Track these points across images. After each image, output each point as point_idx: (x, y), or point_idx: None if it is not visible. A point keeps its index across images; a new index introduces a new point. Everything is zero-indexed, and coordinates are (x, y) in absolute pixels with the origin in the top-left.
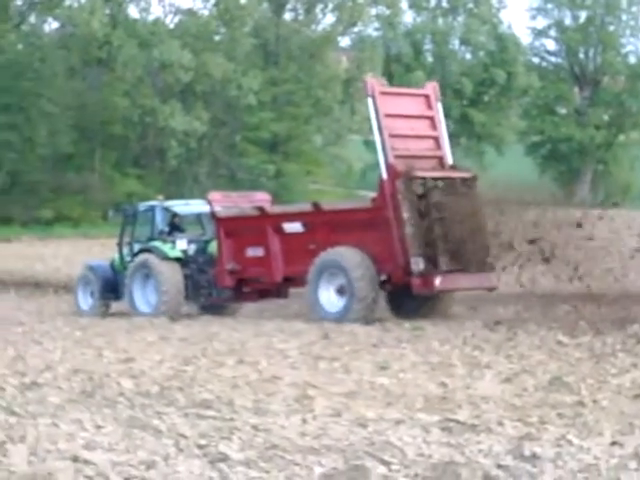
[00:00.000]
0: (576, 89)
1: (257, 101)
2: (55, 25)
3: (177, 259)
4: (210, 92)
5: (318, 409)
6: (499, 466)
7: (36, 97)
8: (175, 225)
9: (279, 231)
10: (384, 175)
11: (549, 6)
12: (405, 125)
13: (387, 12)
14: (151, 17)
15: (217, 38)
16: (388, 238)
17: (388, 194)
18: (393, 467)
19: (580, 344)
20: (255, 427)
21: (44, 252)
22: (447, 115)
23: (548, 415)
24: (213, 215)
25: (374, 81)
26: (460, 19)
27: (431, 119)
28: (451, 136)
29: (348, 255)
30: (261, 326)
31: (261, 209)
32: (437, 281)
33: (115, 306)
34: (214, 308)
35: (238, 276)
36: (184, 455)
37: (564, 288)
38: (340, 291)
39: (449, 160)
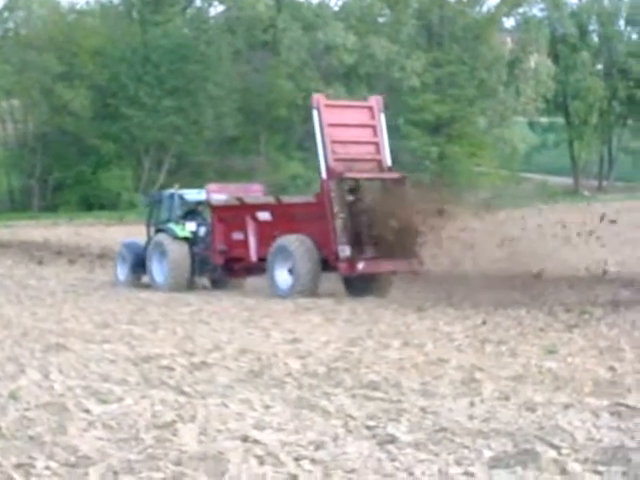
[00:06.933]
0: None
1: (420, 83)
2: (220, 9)
3: (186, 239)
4: (373, 74)
5: (486, 392)
6: None
7: (202, 81)
8: (195, 211)
9: (255, 219)
10: (324, 175)
11: None
12: (347, 133)
13: None
14: (315, 0)
15: (381, 20)
16: (325, 228)
17: (326, 191)
18: (563, 451)
19: None
20: (423, 409)
21: None
22: (614, 96)
23: None
24: (208, 203)
25: (320, 96)
26: None
27: (373, 127)
28: (618, 117)
29: (295, 241)
30: (425, 309)
31: (240, 199)
32: (360, 265)
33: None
34: (222, 282)
35: (226, 256)
36: (353, 436)
37: None
38: (290, 271)
39: (387, 163)
